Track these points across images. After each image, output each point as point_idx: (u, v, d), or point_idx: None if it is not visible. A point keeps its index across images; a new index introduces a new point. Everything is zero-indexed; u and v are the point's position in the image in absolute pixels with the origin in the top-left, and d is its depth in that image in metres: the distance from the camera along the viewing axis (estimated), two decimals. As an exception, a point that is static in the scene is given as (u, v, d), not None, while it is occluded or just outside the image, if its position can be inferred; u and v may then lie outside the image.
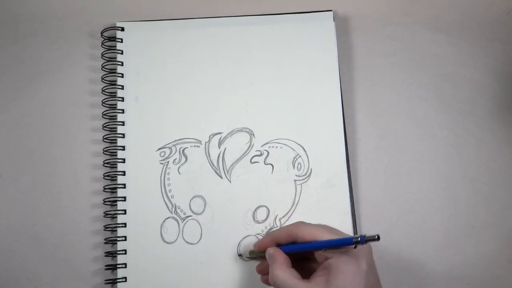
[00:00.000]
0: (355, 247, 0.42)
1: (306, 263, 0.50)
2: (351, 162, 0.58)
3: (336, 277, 0.43)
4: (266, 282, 0.50)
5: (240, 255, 0.55)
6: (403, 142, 0.60)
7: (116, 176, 0.57)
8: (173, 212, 0.56)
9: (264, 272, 0.51)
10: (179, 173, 0.57)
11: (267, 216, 0.56)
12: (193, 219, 0.56)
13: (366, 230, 0.57)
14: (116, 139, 0.58)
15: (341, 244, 0.43)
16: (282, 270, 0.45)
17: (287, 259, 0.47)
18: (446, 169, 0.59)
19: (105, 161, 0.57)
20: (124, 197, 0.56)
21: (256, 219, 0.56)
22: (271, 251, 0.48)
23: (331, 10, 0.62)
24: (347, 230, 0.55)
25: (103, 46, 0.60)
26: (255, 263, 0.54)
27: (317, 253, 0.46)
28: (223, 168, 0.57)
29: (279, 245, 0.49)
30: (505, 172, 0.59)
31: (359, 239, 0.41)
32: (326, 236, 0.45)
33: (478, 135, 0.60)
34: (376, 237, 0.40)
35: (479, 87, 0.62)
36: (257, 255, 0.52)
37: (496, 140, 0.60)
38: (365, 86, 0.61)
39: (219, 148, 0.58)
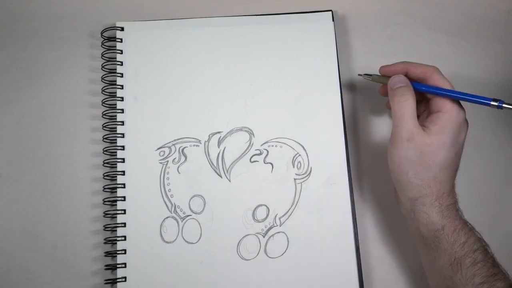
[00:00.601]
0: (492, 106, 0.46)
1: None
2: (351, 161, 0.58)
3: (442, 130, 0.46)
4: (384, 93, 0.54)
5: (360, 74, 0.57)
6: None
7: (115, 176, 0.57)
8: (172, 211, 0.56)
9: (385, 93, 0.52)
10: (179, 173, 0.57)
11: (267, 215, 0.56)
12: (193, 218, 0.56)
13: (366, 229, 0.57)
14: (116, 139, 0.58)
15: (477, 101, 0.47)
16: (413, 99, 0.47)
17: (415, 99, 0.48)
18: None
19: (105, 161, 0.57)
20: (124, 197, 0.56)
21: (256, 218, 0.56)
22: (405, 81, 0.50)
23: (330, 10, 0.62)
24: (347, 229, 0.55)
25: (103, 46, 0.60)
26: (254, 263, 0.54)
27: (435, 101, 0.48)
28: (223, 168, 0.57)
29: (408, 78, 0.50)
30: (505, 173, 0.59)
31: (497, 103, 0.45)
32: (441, 80, 0.48)
33: (479, 135, 0.60)
34: None
35: (479, 87, 0.62)
36: (379, 81, 0.54)
37: (496, 140, 0.60)
38: (365, 86, 0.61)
39: (218, 147, 0.58)
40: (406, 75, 0.50)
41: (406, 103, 0.47)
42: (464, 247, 0.45)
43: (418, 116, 0.50)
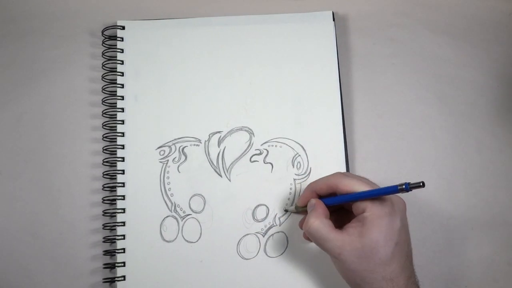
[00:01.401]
0: (399, 192, 0.43)
1: (341, 215, 0.51)
2: (350, 163, 0.58)
3: (370, 230, 0.44)
4: (307, 237, 0.52)
5: (286, 210, 0.56)
6: (403, 143, 0.60)
7: (115, 175, 0.57)
8: (172, 210, 0.56)
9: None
10: (179, 172, 0.57)
11: (267, 214, 0.56)
12: (193, 217, 0.56)
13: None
14: (115, 138, 0.58)
15: (386, 193, 0.44)
16: (317, 218, 0.46)
17: (326, 210, 0.48)
18: (446, 171, 0.59)
19: (105, 160, 0.57)
20: (123, 196, 0.56)
21: (255, 217, 0.56)
22: (313, 202, 0.49)
23: (331, 11, 0.62)
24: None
25: (103, 44, 0.60)
26: (253, 263, 0.54)
27: (356, 205, 0.46)
28: (223, 167, 0.57)
29: (320, 197, 0.50)
30: (505, 174, 0.59)
31: (403, 186, 0.42)
32: (365, 188, 0.46)
33: (479, 136, 0.60)
34: (421, 183, 0.41)
35: (480, 89, 0.62)
36: (300, 210, 0.53)
37: (496, 142, 0.60)
38: (365, 87, 0.61)
39: (218, 147, 0.58)
40: (318, 195, 0.50)
41: (315, 221, 0.46)
42: None
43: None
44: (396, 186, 0.42)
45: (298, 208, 0.53)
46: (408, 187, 0.41)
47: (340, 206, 0.51)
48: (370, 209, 0.45)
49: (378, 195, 0.45)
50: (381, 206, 0.45)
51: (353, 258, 0.44)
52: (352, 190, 0.46)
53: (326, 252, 0.46)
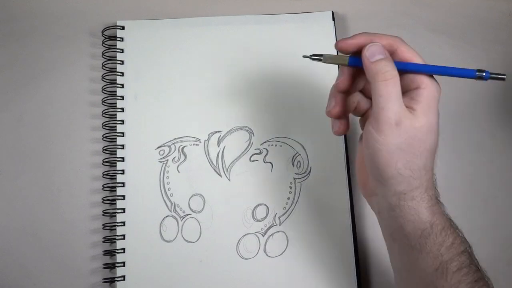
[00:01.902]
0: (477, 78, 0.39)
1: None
2: (350, 162, 0.58)
3: (429, 110, 0.39)
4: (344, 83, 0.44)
5: (306, 56, 0.46)
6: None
7: (115, 175, 0.57)
8: (172, 210, 0.56)
9: (344, 87, 0.44)
10: (178, 172, 0.57)
11: (267, 214, 0.56)
12: (192, 217, 0.56)
13: (365, 229, 0.57)
14: (115, 138, 0.58)
15: (459, 73, 0.40)
16: (397, 75, 0.39)
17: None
18: (445, 172, 0.59)
19: (105, 160, 0.57)
20: (123, 196, 0.56)
21: (255, 217, 0.56)
22: (381, 49, 0.40)
23: (331, 11, 0.62)
24: (346, 228, 0.55)
25: (103, 44, 0.61)
26: (253, 263, 0.54)
27: (411, 78, 0.40)
28: (223, 167, 0.57)
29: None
30: (504, 175, 0.59)
31: (484, 74, 0.38)
32: (409, 53, 0.41)
33: (478, 137, 0.60)
34: (504, 76, 0.38)
35: (479, 89, 0.62)
36: (339, 61, 0.44)
37: (496, 143, 0.60)
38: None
39: (218, 146, 0.58)
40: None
41: (391, 81, 0.38)
42: (451, 249, 0.39)
43: None
44: (475, 70, 0.39)
45: (334, 58, 0.44)
46: (488, 76, 0.38)
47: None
48: (428, 85, 0.39)
49: (452, 74, 0.40)
50: (437, 88, 0.40)
51: (405, 135, 0.39)
52: (412, 59, 0.40)
53: (379, 114, 0.39)
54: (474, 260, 0.41)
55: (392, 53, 0.41)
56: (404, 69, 0.40)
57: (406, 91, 0.40)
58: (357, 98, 0.46)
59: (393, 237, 0.43)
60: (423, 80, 0.39)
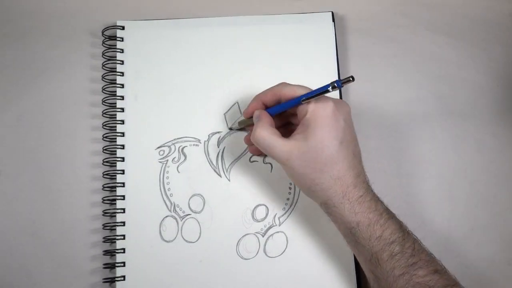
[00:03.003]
0: (331, 91, 0.44)
1: (290, 128, 0.53)
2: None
3: (313, 130, 0.45)
4: (254, 151, 0.56)
5: (230, 128, 0.58)
6: (403, 144, 0.60)
7: (115, 175, 0.57)
8: (172, 210, 0.56)
9: (251, 142, 0.51)
10: (178, 172, 0.57)
11: (266, 214, 0.56)
12: (192, 217, 0.56)
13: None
14: (115, 138, 0.58)
15: (321, 91, 0.45)
16: (263, 128, 0.47)
17: (271, 120, 0.49)
18: (446, 171, 0.59)
19: (105, 160, 0.57)
20: (123, 196, 0.56)
21: (255, 217, 0.56)
22: (257, 113, 0.50)
23: (330, 11, 0.62)
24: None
25: (103, 45, 0.61)
26: (253, 263, 0.54)
27: (299, 110, 0.47)
28: (222, 167, 0.57)
29: (266, 108, 0.51)
30: (505, 174, 0.59)
31: (335, 84, 0.44)
32: (303, 93, 0.47)
33: (479, 137, 0.60)
34: (351, 78, 0.43)
35: (479, 89, 0.62)
36: (246, 123, 0.55)
37: (496, 142, 0.60)
38: (365, 87, 0.61)
39: (218, 147, 0.58)
40: (265, 106, 0.51)
41: (261, 133, 0.47)
42: (380, 241, 0.45)
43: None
44: (329, 84, 0.44)
45: (243, 122, 0.55)
46: (339, 84, 0.43)
47: (288, 120, 0.53)
48: (312, 111, 0.46)
49: (314, 94, 0.46)
50: (323, 107, 0.45)
51: (300, 161, 0.46)
52: (295, 95, 0.47)
53: (276, 160, 0.48)
54: (409, 246, 0.45)
55: (280, 98, 0.49)
56: (275, 111, 0.50)
57: (301, 120, 0.47)
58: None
59: (343, 236, 0.49)
60: (307, 108, 0.46)
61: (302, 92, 0.47)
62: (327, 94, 0.45)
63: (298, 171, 0.46)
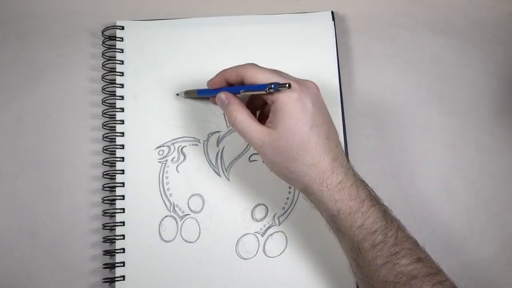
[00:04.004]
0: (269, 92, 0.44)
1: (266, 109, 0.52)
2: (350, 163, 0.58)
3: (281, 118, 0.44)
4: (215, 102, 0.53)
5: (177, 94, 0.59)
6: (403, 144, 0.60)
7: (115, 175, 0.57)
8: (171, 210, 0.56)
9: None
10: (178, 172, 0.57)
11: (266, 214, 0.56)
12: (192, 217, 0.56)
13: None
14: (115, 138, 0.58)
15: (256, 89, 0.45)
16: (239, 111, 0.47)
17: (240, 101, 0.48)
18: (446, 171, 0.59)
19: (104, 160, 0.57)
20: (123, 196, 0.56)
21: (254, 217, 0.56)
22: (223, 96, 0.49)
23: (330, 11, 0.62)
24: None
25: (103, 45, 0.61)
26: (252, 263, 0.54)
27: (268, 98, 0.46)
28: (222, 167, 0.57)
29: (229, 84, 0.50)
30: (505, 175, 0.59)
31: (272, 86, 0.43)
32: (269, 80, 0.45)
33: (479, 137, 0.60)
34: (287, 85, 0.43)
35: (480, 89, 0.62)
36: (191, 96, 0.57)
37: (496, 142, 0.60)
38: (365, 87, 0.61)
39: (217, 146, 0.58)
40: (228, 83, 0.50)
41: (238, 117, 0.47)
42: (361, 230, 0.44)
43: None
44: (266, 84, 0.44)
45: (190, 93, 0.57)
46: (276, 87, 0.43)
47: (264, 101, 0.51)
48: (277, 98, 0.45)
49: (252, 90, 0.46)
50: (288, 93, 0.44)
51: (273, 149, 0.45)
52: (256, 81, 0.46)
53: (251, 146, 0.48)
54: (391, 235, 0.44)
55: (243, 79, 0.48)
56: (233, 91, 0.49)
57: (269, 107, 0.47)
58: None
59: (326, 222, 0.48)
60: (277, 96, 0.45)
61: (263, 79, 0.46)
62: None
63: (272, 159, 0.46)
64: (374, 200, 0.45)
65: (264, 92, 0.44)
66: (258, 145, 0.46)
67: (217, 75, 0.51)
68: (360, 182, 0.46)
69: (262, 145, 0.45)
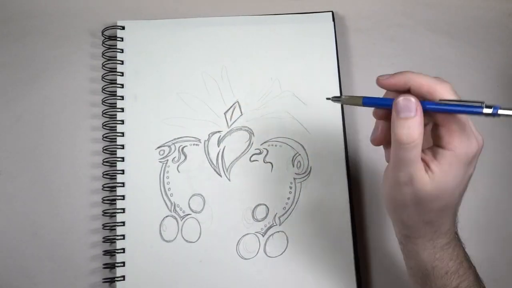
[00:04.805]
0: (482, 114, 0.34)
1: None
2: (350, 162, 0.58)
3: (447, 172, 0.37)
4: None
5: (329, 98, 0.44)
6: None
7: (115, 175, 0.57)
8: (172, 210, 0.56)
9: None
10: (178, 172, 0.57)
11: (267, 214, 0.56)
12: (192, 217, 0.56)
13: (366, 229, 0.57)
14: (115, 138, 0.58)
15: (470, 113, 0.35)
16: (421, 135, 0.36)
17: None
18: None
19: (105, 160, 0.57)
20: (123, 196, 0.56)
21: (255, 217, 0.56)
22: (413, 100, 0.36)
23: (330, 11, 0.62)
24: (346, 228, 0.55)
25: (103, 45, 0.61)
26: (253, 263, 0.54)
27: (443, 135, 0.37)
28: (223, 167, 0.57)
29: (394, 90, 0.39)
30: (505, 175, 0.59)
31: (492, 109, 0.34)
32: (449, 96, 0.36)
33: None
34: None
35: (479, 88, 0.62)
36: (351, 102, 0.43)
37: (496, 142, 0.60)
38: (365, 87, 0.61)
39: (218, 146, 0.58)
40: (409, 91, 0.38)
41: (412, 147, 0.36)
42: None
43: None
44: (479, 106, 0.34)
45: (351, 99, 0.43)
46: (496, 111, 0.34)
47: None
48: (456, 147, 0.36)
49: (458, 111, 0.35)
50: (468, 147, 0.36)
51: (416, 195, 0.37)
52: (431, 97, 0.37)
53: (393, 169, 0.38)
54: None
55: (430, 95, 0.37)
56: (430, 109, 0.37)
57: (435, 145, 0.38)
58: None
59: (408, 270, 0.45)
60: (452, 141, 0.36)
61: (445, 95, 0.36)
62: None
63: (405, 201, 0.39)
64: (470, 262, 0.42)
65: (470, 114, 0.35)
66: (404, 181, 0.37)
67: (398, 74, 0.38)
68: (461, 243, 0.43)
69: (408, 184, 0.37)
